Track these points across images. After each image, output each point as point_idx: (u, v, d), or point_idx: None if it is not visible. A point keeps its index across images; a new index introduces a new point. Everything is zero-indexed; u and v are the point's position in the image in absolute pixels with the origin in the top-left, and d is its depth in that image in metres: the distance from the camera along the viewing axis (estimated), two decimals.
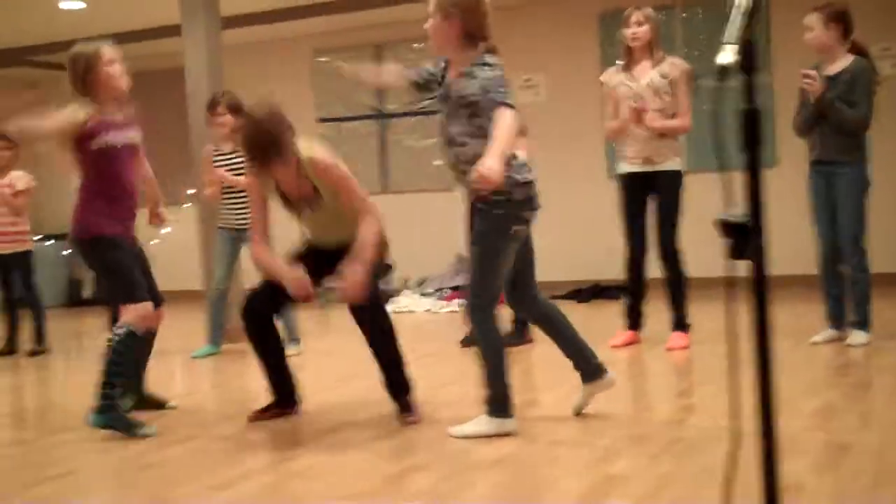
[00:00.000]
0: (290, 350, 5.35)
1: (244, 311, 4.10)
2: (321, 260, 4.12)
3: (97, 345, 7.21)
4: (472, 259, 3.60)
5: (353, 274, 3.83)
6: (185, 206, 7.71)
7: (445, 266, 9.45)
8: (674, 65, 5.52)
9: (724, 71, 1.52)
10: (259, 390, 4.46)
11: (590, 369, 3.84)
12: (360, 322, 4.02)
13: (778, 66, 8.33)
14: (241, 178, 5.79)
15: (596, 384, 3.84)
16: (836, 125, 5.17)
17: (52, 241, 10.77)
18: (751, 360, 1.71)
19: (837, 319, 5.39)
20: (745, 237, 1.54)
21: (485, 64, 3.51)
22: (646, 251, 5.62)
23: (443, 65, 3.69)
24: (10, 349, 6.98)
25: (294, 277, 3.94)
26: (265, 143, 3.76)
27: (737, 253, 1.56)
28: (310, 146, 3.96)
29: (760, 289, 1.55)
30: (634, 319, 5.73)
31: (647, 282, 5.71)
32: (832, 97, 5.12)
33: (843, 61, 5.22)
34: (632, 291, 5.72)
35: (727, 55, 1.54)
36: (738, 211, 1.56)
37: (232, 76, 7.32)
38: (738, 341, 1.76)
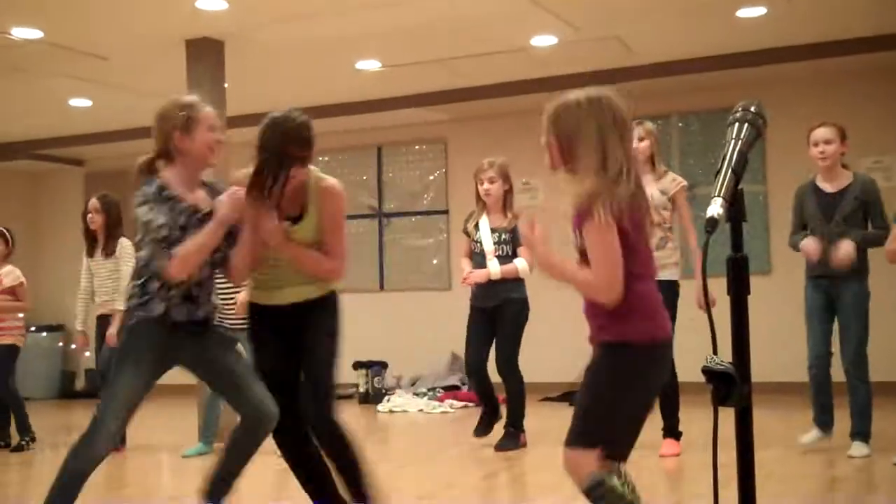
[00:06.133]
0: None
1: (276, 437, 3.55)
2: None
3: None
4: None
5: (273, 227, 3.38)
6: None
7: (439, 365, 9.42)
8: (674, 181, 5.58)
9: (712, 223, 1.57)
10: (249, 492, 4.39)
11: None
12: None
13: (771, 174, 8.47)
14: None
15: None
16: (869, 245, 5.13)
17: (46, 333, 10.78)
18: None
19: (826, 425, 5.34)
20: (729, 384, 1.56)
21: None
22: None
23: None
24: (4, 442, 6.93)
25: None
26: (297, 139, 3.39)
27: (721, 399, 1.58)
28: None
29: (745, 438, 1.57)
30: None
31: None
32: (859, 239, 5.08)
33: (847, 176, 5.24)
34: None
35: (716, 208, 1.59)
36: (723, 360, 1.58)
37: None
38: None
